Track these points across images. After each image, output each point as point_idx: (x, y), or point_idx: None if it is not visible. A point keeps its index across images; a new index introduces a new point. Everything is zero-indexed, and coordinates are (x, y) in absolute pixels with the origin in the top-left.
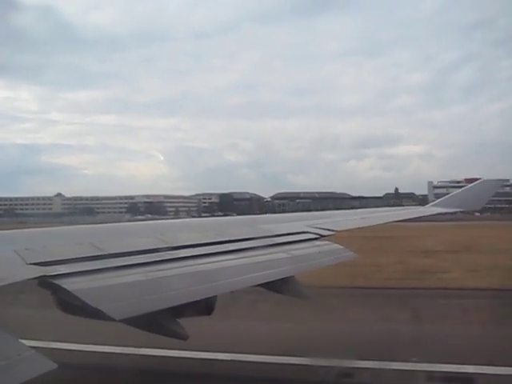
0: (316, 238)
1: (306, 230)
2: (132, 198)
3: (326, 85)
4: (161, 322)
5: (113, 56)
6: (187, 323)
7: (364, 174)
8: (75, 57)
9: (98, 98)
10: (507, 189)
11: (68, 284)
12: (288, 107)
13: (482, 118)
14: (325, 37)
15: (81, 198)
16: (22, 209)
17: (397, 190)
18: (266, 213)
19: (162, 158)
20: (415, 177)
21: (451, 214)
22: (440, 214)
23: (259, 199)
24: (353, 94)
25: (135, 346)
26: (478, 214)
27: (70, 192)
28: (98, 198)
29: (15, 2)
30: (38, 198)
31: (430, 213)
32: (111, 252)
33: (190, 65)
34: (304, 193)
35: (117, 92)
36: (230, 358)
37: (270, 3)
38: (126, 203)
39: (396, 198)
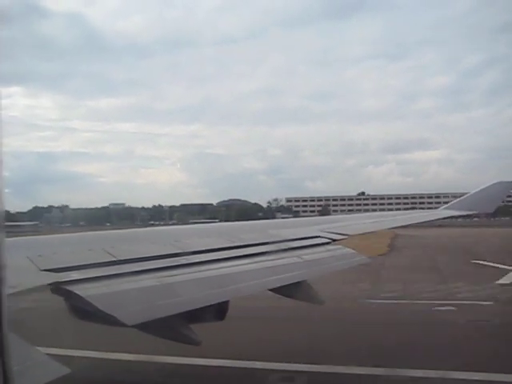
0: (328, 243)
1: (318, 234)
2: None
3: (349, 89)
4: (173, 327)
5: (138, 63)
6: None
7: (383, 179)
8: (100, 65)
9: (120, 105)
10: None
11: (81, 290)
12: (309, 113)
13: (504, 121)
14: (350, 40)
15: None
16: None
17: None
18: None
19: (178, 166)
20: (434, 181)
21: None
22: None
23: None
24: (374, 98)
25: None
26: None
27: (86, 200)
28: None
29: (43, 10)
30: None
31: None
32: (123, 258)
33: (214, 71)
34: None
35: (139, 99)
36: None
37: (298, 8)
38: None
39: None
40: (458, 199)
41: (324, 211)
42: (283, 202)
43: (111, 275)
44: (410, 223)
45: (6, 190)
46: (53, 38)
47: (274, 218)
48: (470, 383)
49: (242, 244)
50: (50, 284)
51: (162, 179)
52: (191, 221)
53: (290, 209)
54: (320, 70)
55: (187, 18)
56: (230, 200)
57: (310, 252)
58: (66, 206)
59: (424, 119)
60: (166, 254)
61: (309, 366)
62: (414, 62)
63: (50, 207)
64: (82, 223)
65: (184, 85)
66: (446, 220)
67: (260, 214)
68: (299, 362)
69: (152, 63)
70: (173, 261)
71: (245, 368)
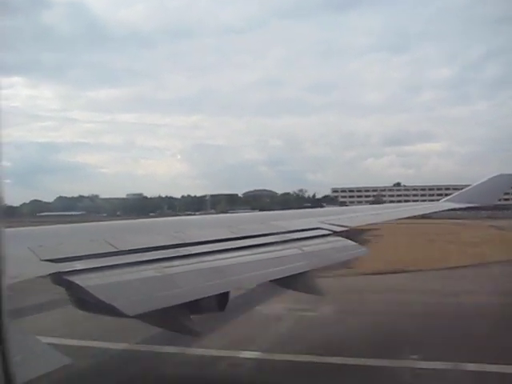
0: (329, 234)
1: (319, 226)
2: None
3: (350, 81)
4: (174, 318)
5: (139, 53)
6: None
7: (384, 172)
8: (102, 55)
9: (121, 95)
10: None
11: (81, 280)
12: (310, 104)
13: (506, 113)
14: (352, 32)
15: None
16: None
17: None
18: None
19: (179, 157)
20: (434, 173)
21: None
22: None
23: None
24: (376, 91)
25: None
26: None
27: (89, 191)
28: None
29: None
30: None
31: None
32: (124, 248)
33: (215, 61)
34: None
35: (140, 90)
36: None
37: None
38: None
39: None
40: (459, 192)
41: (377, 201)
42: (328, 193)
43: (112, 265)
44: (411, 215)
45: (8, 181)
46: (54, 28)
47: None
48: None
49: (243, 235)
50: (50, 274)
51: (163, 170)
52: (231, 211)
53: (337, 199)
54: (321, 61)
55: (189, 7)
56: (256, 190)
57: (311, 243)
58: (96, 196)
59: (426, 111)
60: (167, 245)
61: None
62: (416, 55)
63: (81, 197)
64: (118, 213)
65: (185, 75)
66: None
67: (308, 204)
68: None
69: (153, 53)
70: (173, 251)
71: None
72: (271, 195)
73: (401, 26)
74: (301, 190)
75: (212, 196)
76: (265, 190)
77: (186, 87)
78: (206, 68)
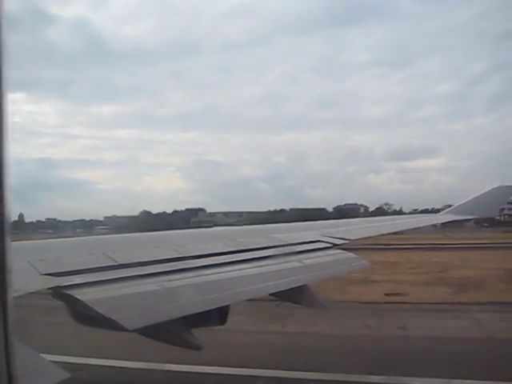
0: (329, 247)
1: (319, 238)
2: None
3: (351, 97)
4: (174, 331)
5: (141, 70)
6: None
7: (384, 188)
8: (104, 71)
9: (121, 112)
10: None
11: (81, 294)
12: (310, 120)
13: (506, 128)
14: (354, 48)
15: None
16: None
17: None
18: None
19: (178, 174)
20: (436, 190)
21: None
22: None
23: None
24: (377, 106)
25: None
26: None
27: (88, 208)
28: None
29: (49, 15)
30: None
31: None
32: (124, 262)
33: (217, 78)
34: None
35: (140, 106)
36: None
37: (303, 15)
38: None
39: None
40: (458, 204)
41: None
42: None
43: (112, 279)
44: (412, 227)
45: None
46: (58, 44)
47: None
48: None
49: (242, 248)
50: (50, 288)
51: (162, 186)
52: None
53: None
54: (324, 77)
55: (191, 24)
56: (347, 204)
57: (311, 256)
58: (202, 210)
59: (427, 127)
60: (167, 259)
61: None
62: (417, 70)
63: (188, 209)
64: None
65: (186, 92)
66: None
67: None
68: None
69: (155, 70)
70: (174, 265)
71: None
72: (364, 209)
73: (403, 41)
74: (386, 204)
75: (296, 210)
76: (356, 204)
77: (187, 104)
78: (208, 84)
